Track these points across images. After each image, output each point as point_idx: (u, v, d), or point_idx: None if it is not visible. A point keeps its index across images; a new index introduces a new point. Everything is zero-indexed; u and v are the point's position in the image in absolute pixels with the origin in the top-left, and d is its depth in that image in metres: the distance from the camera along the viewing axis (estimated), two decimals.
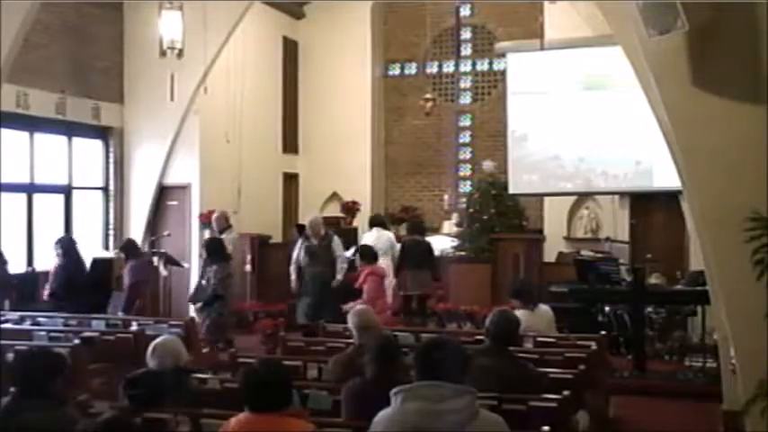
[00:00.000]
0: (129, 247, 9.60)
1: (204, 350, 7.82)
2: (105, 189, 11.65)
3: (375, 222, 10.70)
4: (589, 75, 11.47)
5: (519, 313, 6.42)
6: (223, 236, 9.81)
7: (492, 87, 14.71)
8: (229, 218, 10.49)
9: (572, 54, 11.57)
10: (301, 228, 11.84)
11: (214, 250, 9.10)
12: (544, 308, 6.73)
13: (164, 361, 4.44)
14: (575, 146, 11.57)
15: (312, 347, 6.38)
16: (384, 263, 9.41)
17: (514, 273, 10.50)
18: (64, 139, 10.84)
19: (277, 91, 14.37)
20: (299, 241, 9.76)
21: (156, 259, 10.48)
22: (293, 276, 9.68)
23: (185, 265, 10.93)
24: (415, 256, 9.94)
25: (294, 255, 9.72)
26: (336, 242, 9.60)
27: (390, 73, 15.33)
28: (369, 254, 8.72)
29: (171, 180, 11.79)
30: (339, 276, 9.38)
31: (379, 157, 15.11)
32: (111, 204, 11.62)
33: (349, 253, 12.70)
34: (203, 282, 9.23)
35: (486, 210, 11.36)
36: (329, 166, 14.47)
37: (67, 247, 9.05)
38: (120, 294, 9.34)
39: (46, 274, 9.46)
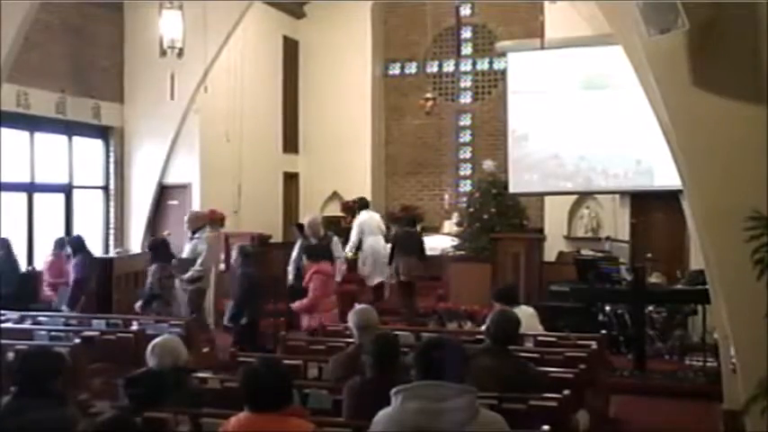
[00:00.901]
0: (76, 244, 9.40)
1: (204, 350, 7.81)
2: (106, 188, 11.65)
3: (363, 206, 11.72)
4: (589, 74, 11.46)
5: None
6: (196, 236, 9.52)
7: (492, 87, 14.71)
8: (202, 218, 10.04)
9: (572, 53, 11.56)
10: (301, 227, 11.85)
11: (154, 250, 8.95)
12: (525, 308, 6.71)
13: (163, 360, 4.44)
14: (575, 145, 11.56)
15: (312, 347, 6.38)
16: (380, 242, 11.10)
17: (515, 272, 10.50)
18: (64, 138, 10.85)
19: (277, 90, 14.38)
20: (299, 241, 9.76)
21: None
22: (290, 276, 9.63)
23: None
24: (406, 245, 10.80)
25: (293, 254, 9.71)
26: (336, 243, 9.55)
27: (391, 72, 15.33)
28: (314, 253, 8.73)
29: (171, 179, 11.79)
30: (337, 278, 9.27)
31: (379, 157, 15.11)
32: (112, 204, 11.62)
33: (350, 253, 12.71)
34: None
35: (486, 209, 11.35)
36: (329, 166, 14.47)
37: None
38: (65, 289, 9.23)
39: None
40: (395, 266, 10.71)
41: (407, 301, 10.69)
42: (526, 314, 6.68)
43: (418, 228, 12.07)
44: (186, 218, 9.86)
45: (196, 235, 9.54)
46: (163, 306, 8.43)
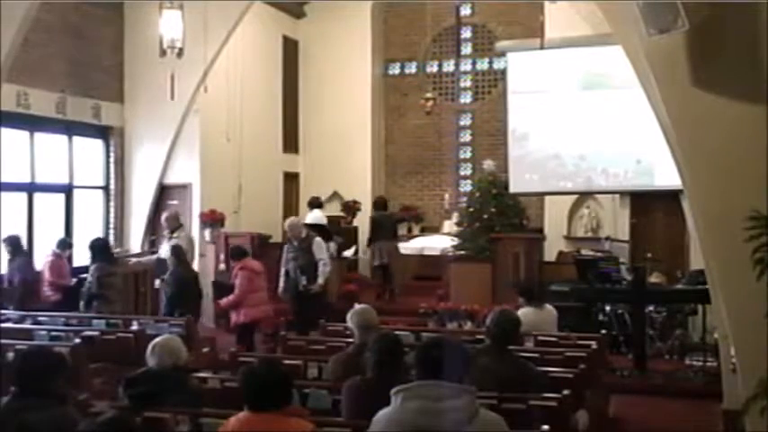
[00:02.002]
0: (14, 245, 9.27)
1: (204, 350, 7.81)
2: (106, 188, 11.65)
3: (315, 205, 12.44)
4: (589, 74, 11.47)
5: (526, 311, 6.48)
6: (174, 235, 9.47)
7: (492, 86, 14.71)
8: (180, 217, 10.02)
9: (572, 53, 11.56)
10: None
11: (94, 250, 8.91)
12: (549, 307, 6.77)
13: (163, 360, 4.44)
14: (575, 145, 11.56)
15: (312, 347, 6.38)
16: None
17: (515, 272, 10.50)
18: (64, 138, 10.84)
19: (277, 90, 14.38)
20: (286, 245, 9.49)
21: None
22: (281, 280, 9.28)
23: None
24: (385, 228, 12.06)
25: (283, 257, 9.43)
26: (317, 245, 9.05)
27: (390, 72, 15.33)
28: (237, 252, 8.91)
29: (171, 179, 11.79)
30: (320, 280, 8.85)
31: (379, 157, 15.12)
32: (112, 203, 11.62)
33: (349, 252, 12.72)
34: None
35: (486, 209, 11.34)
36: (329, 166, 14.48)
37: None
38: (12, 290, 9.21)
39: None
40: (373, 252, 11.95)
41: (387, 283, 12.13)
42: (551, 314, 6.72)
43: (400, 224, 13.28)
44: (163, 217, 9.90)
45: (174, 234, 9.55)
46: (104, 305, 8.33)
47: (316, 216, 12.11)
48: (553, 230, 12.75)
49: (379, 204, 12.54)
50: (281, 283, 9.13)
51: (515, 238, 10.92)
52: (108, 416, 3.15)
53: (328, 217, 14.11)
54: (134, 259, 10.58)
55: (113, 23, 11.50)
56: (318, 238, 9.14)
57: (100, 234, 11.48)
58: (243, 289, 8.50)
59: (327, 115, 14.61)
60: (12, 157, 9.73)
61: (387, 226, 12.18)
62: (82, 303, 8.54)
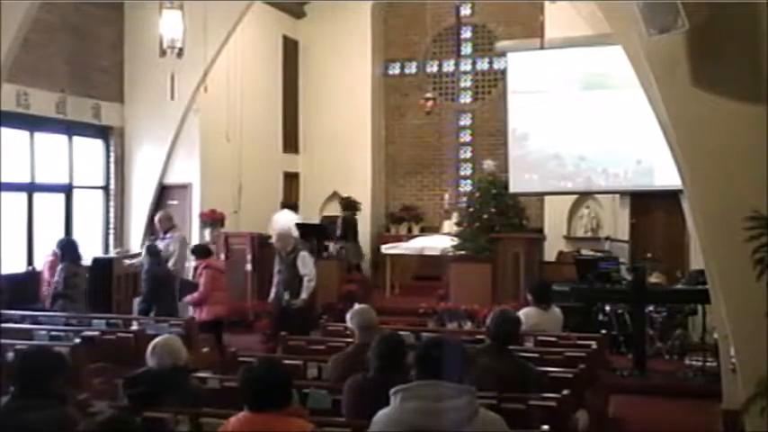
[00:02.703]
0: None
1: (204, 350, 7.81)
2: (106, 188, 11.65)
3: (286, 205, 12.97)
4: (589, 74, 11.47)
5: (529, 311, 6.46)
6: (168, 236, 9.33)
7: (492, 86, 14.71)
8: (172, 218, 9.76)
9: (572, 53, 11.56)
10: (300, 227, 11.88)
11: (63, 249, 8.90)
12: (556, 310, 6.75)
13: (163, 360, 4.44)
14: (575, 145, 11.56)
15: (312, 347, 6.37)
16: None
17: (515, 272, 10.51)
18: (64, 138, 10.84)
19: (277, 90, 14.38)
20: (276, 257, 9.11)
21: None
22: (272, 290, 8.93)
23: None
24: (352, 229, 12.61)
25: (275, 267, 9.01)
26: (302, 259, 8.57)
27: (391, 72, 15.33)
28: (201, 250, 9.12)
29: (171, 179, 11.79)
30: (303, 295, 8.44)
31: (379, 157, 15.12)
32: (112, 204, 11.62)
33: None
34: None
35: (486, 209, 11.35)
36: (330, 166, 14.48)
37: None
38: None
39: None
40: (342, 252, 12.27)
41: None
42: (557, 316, 6.70)
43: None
44: (157, 218, 9.79)
45: (167, 235, 9.43)
46: (69, 304, 8.33)
47: (288, 218, 12.24)
48: (553, 230, 12.75)
49: (349, 205, 12.99)
50: (272, 293, 8.81)
51: (515, 238, 10.92)
52: (108, 416, 3.15)
53: (328, 217, 14.15)
54: (127, 261, 10.54)
55: (113, 23, 11.50)
56: (304, 252, 8.74)
57: (100, 234, 11.51)
58: (207, 287, 8.65)
59: (327, 115, 14.61)
60: (12, 157, 9.74)
61: (353, 227, 12.81)
62: (48, 301, 8.60)
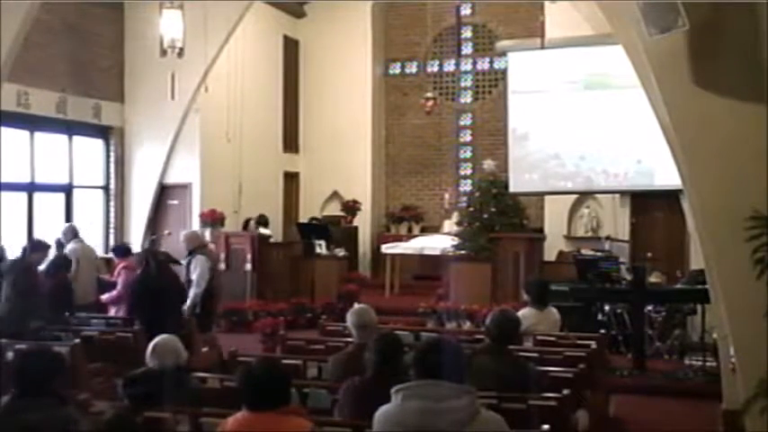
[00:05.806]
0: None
1: (204, 350, 7.80)
2: (106, 188, 11.66)
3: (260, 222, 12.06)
4: (590, 74, 11.46)
5: (526, 312, 6.45)
6: (70, 245, 8.92)
7: (492, 86, 14.71)
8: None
9: (573, 53, 11.56)
10: (301, 226, 11.88)
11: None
12: (552, 310, 6.74)
13: (163, 360, 4.44)
14: (575, 145, 11.56)
15: (312, 346, 6.37)
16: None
17: (515, 272, 10.50)
18: (64, 137, 10.85)
19: (277, 90, 14.38)
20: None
21: None
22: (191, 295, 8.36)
23: (183, 262, 10.84)
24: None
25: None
26: (198, 263, 8.30)
27: (391, 72, 15.34)
28: (122, 250, 9.17)
29: (171, 179, 11.80)
30: (188, 302, 8.07)
31: (379, 156, 15.12)
32: (112, 203, 11.63)
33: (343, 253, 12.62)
34: None
35: (486, 208, 11.34)
36: (330, 165, 14.48)
37: None
38: None
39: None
40: None
41: None
42: (553, 317, 6.70)
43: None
44: (183, 236, 9.15)
45: (192, 256, 8.67)
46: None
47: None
48: (553, 230, 12.75)
49: (262, 222, 12.06)
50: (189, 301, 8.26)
51: (515, 237, 10.92)
52: (108, 415, 3.15)
53: (328, 216, 14.16)
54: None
55: (113, 23, 11.51)
56: (201, 256, 8.39)
57: (100, 234, 11.51)
58: (124, 286, 8.49)
59: (327, 115, 14.61)
60: (12, 157, 9.74)
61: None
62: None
